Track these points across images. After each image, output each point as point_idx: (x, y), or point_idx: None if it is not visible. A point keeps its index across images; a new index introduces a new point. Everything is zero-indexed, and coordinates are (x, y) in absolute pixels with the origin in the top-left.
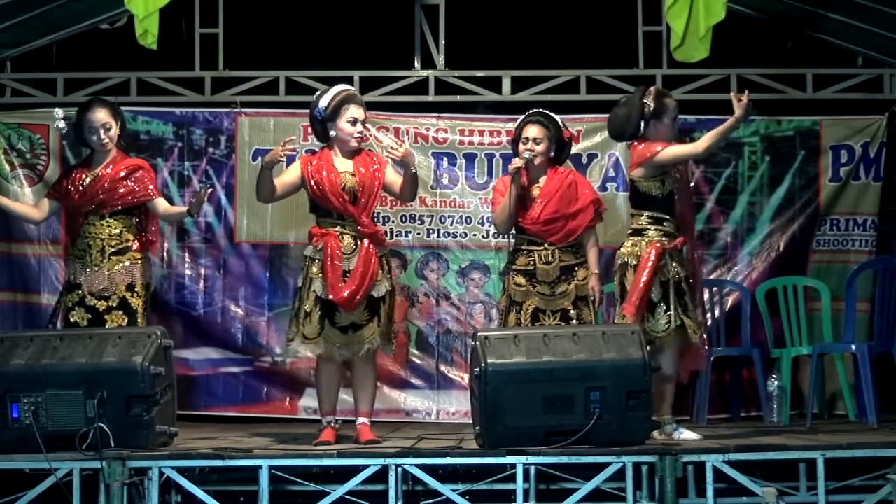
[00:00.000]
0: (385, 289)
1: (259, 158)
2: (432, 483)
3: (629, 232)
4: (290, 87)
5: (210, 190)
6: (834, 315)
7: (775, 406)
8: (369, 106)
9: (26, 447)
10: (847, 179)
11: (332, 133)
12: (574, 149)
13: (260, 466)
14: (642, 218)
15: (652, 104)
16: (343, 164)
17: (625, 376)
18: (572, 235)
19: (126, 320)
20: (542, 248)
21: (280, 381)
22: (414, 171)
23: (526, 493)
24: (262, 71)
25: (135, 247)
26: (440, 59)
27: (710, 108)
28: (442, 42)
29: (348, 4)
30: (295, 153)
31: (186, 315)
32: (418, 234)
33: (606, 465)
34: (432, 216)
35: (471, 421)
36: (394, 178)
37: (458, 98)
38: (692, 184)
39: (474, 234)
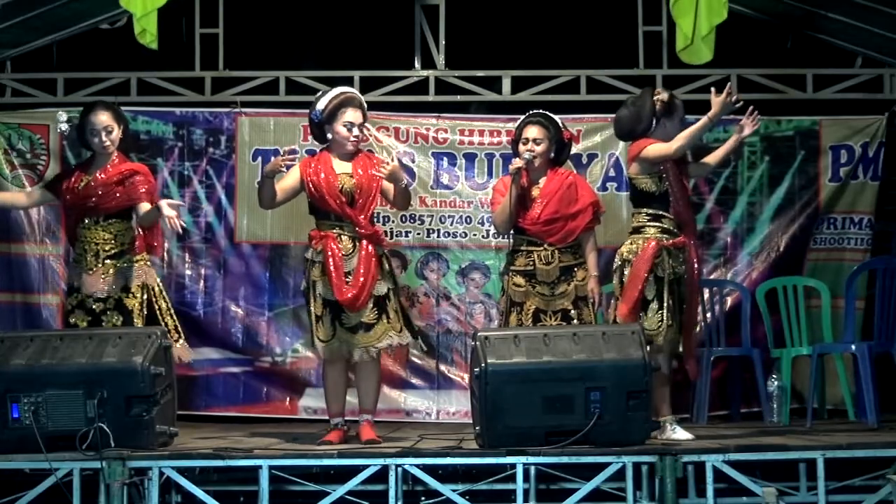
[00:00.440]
0: (386, 287)
1: (259, 158)
2: (432, 483)
3: (630, 231)
4: (290, 87)
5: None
6: (833, 313)
7: (775, 406)
8: (369, 106)
9: (26, 447)
10: (846, 179)
11: (329, 136)
12: (574, 149)
13: (260, 466)
14: (642, 215)
15: (664, 101)
16: (341, 166)
17: (625, 376)
18: (571, 236)
19: (121, 320)
20: (541, 248)
21: (280, 381)
22: (404, 185)
23: (526, 493)
24: (262, 71)
25: (132, 250)
26: (440, 59)
27: (711, 108)
28: (442, 42)
29: (348, 4)
30: (295, 163)
31: (186, 315)
32: (418, 234)
33: (606, 465)
34: (432, 216)
35: (471, 421)
36: (388, 184)
37: (458, 98)
38: (692, 183)
39: (474, 234)
